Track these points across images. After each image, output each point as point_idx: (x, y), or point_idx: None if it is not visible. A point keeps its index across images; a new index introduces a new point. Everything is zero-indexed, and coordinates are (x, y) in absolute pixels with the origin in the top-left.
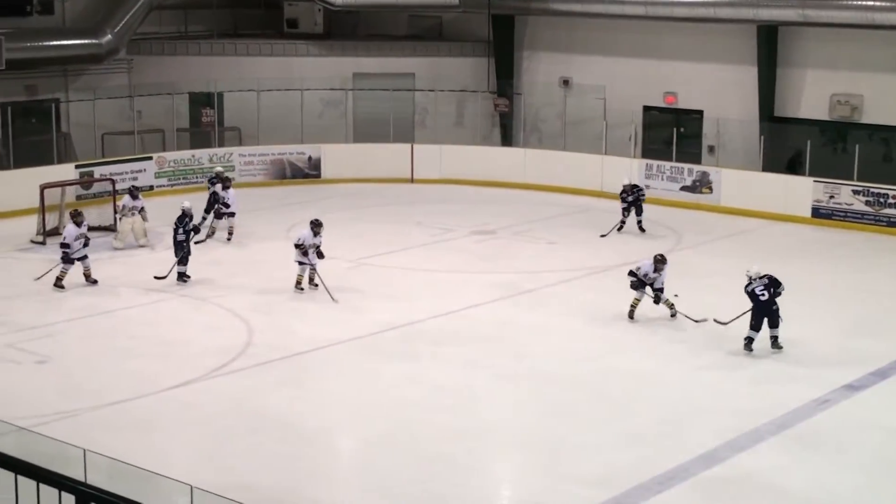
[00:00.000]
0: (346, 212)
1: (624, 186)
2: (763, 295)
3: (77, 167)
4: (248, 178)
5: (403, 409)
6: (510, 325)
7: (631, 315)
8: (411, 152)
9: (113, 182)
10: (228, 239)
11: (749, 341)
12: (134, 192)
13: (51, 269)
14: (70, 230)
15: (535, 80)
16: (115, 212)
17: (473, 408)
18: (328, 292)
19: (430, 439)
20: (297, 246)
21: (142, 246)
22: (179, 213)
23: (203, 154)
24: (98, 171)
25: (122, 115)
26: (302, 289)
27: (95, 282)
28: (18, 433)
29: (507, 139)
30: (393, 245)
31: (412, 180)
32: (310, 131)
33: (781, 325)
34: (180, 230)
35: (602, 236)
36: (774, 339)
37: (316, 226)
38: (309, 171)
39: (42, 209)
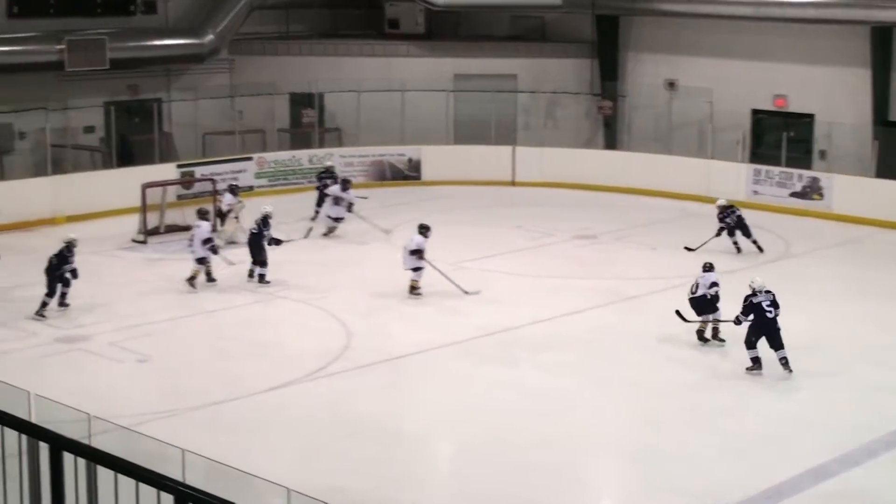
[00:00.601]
0: (445, 214)
1: (720, 207)
2: (770, 312)
3: (178, 167)
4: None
5: (499, 415)
6: (610, 332)
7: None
8: (512, 154)
9: (213, 182)
10: (327, 234)
11: (757, 362)
12: (234, 189)
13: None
14: (206, 227)
15: (639, 81)
16: (217, 213)
17: (570, 415)
18: (457, 286)
19: (524, 446)
20: (413, 252)
21: (232, 243)
22: (261, 216)
23: (303, 155)
24: (199, 171)
25: (223, 115)
26: (420, 294)
27: (214, 280)
28: (118, 432)
29: (610, 142)
30: (493, 248)
31: (513, 183)
32: (410, 133)
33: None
34: (265, 234)
35: (689, 250)
36: (785, 361)
37: (425, 230)
38: (409, 173)
39: (143, 209)
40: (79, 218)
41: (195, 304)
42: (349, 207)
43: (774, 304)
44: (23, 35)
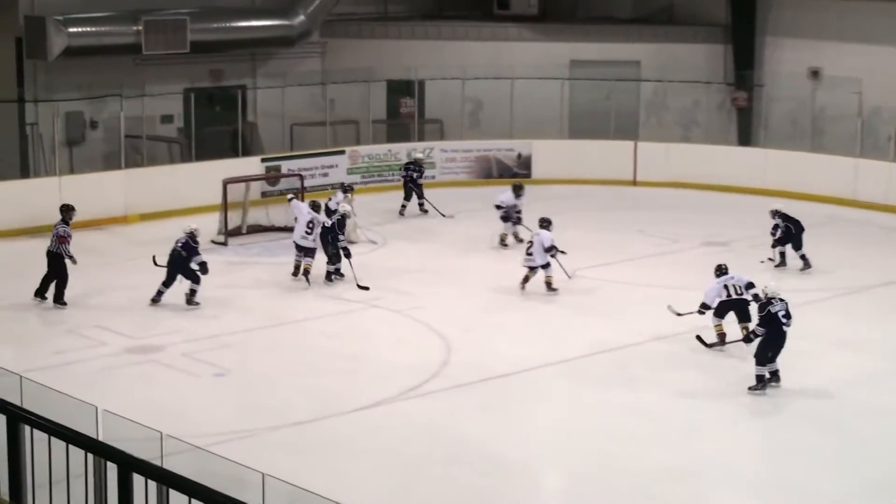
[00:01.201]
0: (558, 216)
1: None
2: (787, 323)
3: (263, 161)
4: (449, 175)
5: (615, 443)
6: (742, 351)
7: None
8: (634, 150)
9: (301, 178)
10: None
11: (763, 381)
12: (346, 188)
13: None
14: (321, 220)
15: (778, 70)
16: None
17: (695, 444)
18: (564, 271)
19: (643, 477)
20: (548, 249)
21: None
22: (338, 217)
23: (401, 149)
24: (285, 166)
25: (312, 104)
26: (556, 289)
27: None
28: (193, 452)
29: (744, 138)
30: (610, 256)
31: (634, 182)
32: (520, 125)
33: None
34: (340, 235)
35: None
36: (775, 373)
37: (549, 223)
38: (518, 170)
39: (224, 207)
40: (153, 216)
41: (278, 312)
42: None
43: (789, 315)
44: (96, 15)
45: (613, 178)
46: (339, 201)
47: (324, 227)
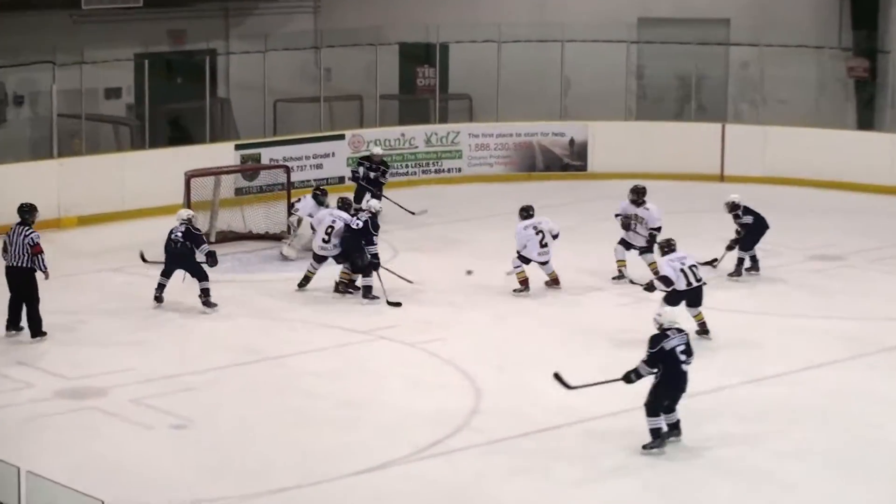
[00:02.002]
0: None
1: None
2: (686, 361)
3: (238, 147)
4: (480, 168)
5: None
6: (857, 396)
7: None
8: (722, 136)
9: (288, 170)
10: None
11: (660, 433)
12: (320, 197)
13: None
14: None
15: None
16: (290, 211)
17: None
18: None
19: None
20: (555, 237)
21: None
22: (369, 216)
23: (418, 133)
24: (267, 155)
25: (303, 75)
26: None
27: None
28: None
29: (865, 119)
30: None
31: (722, 178)
32: (573, 103)
33: None
34: (375, 238)
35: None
36: (676, 424)
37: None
38: (570, 161)
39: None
40: (95, 220)
41: (257, 345)
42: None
43: (689, 351)
44: None
45: (694, 171)
46: (367, 199)
47: (350, 231)
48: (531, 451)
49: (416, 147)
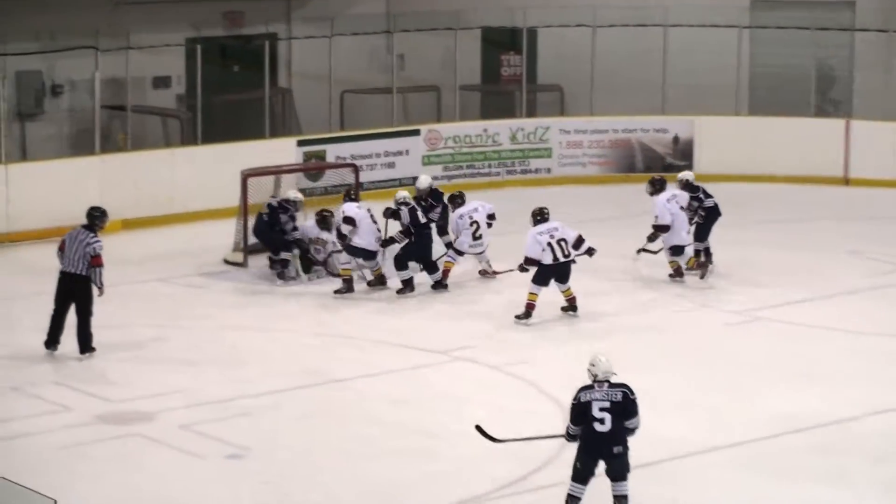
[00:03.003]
0: (730, 230)
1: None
2: (603, 420)
3: (301, 144)
4: (572, 168)
5: None
6: None
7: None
8: (846, 133)
9: (356, 170)
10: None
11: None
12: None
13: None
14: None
15: None
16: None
17: None
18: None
19: None
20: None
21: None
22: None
23: (502, 128)
24: (333, 152)
25: (372, 63)
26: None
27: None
28: None
29: None
30: (809, 288)
31: (846, 181)
32: (677, 95)
33: None
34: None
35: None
36: (622, 499)
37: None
38: (673, 161)
39: (244, 211)
40: (142, 223)
41: (320, 366)
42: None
43: (616, 410)
44: None
45: (814, 173)
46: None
47: (418, 223)
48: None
49: (500, 144)
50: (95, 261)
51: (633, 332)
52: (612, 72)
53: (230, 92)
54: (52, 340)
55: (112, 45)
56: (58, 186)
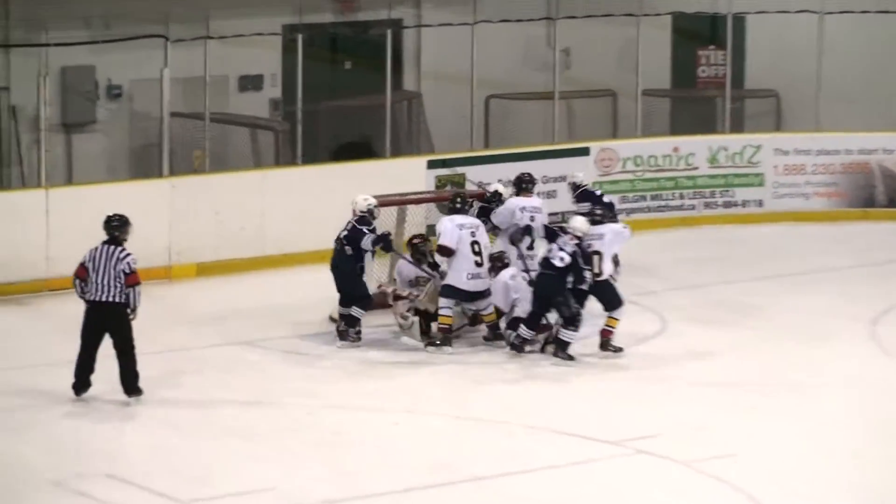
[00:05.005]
0: None
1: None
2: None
3: (432, 165)
4: (792, 201)
5: None
6: None
7: None
8: None
9: (498, 198)
10: None
11: None
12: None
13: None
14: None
15: None
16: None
17: None
18: None
19: None
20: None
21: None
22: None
23: (698, 147)
24: (475, 176)
25: (526, 59)
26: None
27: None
28: None
29: None
30: None
31: None
32: None
33: None
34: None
35: None
36: None
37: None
38: None
39: None
40: (224, 268)
41: (453, 457)
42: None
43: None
44: None
45: None
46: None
47: (551, 267)
48: None
49: (696, 168)
50: (132, 279)
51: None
52: (845, 73)
53: (340, 97)
54: (83, 383)
55: (186, 33)
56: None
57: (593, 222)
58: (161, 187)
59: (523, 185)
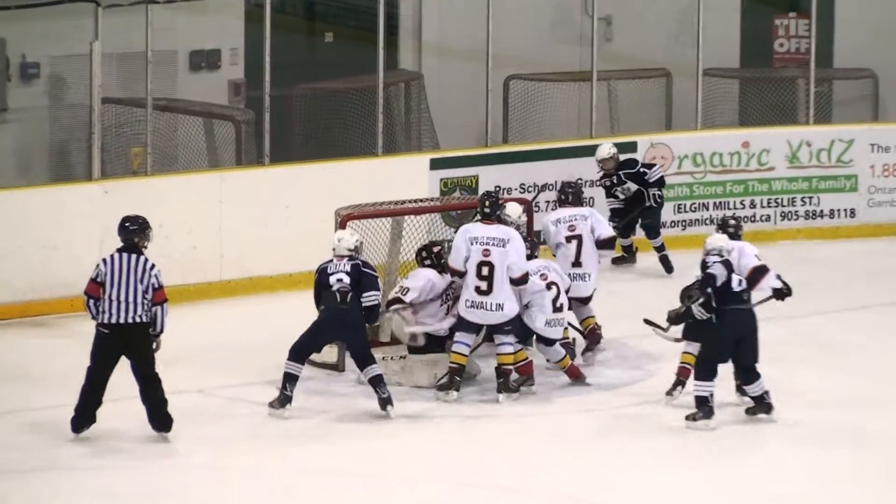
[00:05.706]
0: None
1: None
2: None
3: (435, 165)
4: (890, 209)
5: None
6: None
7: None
8: None
9: (529, 209)
10: None
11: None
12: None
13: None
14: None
15: None
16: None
17: None
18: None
19: None
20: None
21: None
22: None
23: (773, 142)
24: (488, 179)
25: (556, 29)
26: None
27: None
28: None
29: None
30: None
31: None
32: None
33: None
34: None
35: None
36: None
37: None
38: None
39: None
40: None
41: None
42: None
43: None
44: None
45: None
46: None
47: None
48: None
49: (771, 168)
50: (159, 295)
51: None
52: None
53: (319, 78)
54: (88, 419)
55: None
56: (28, 234)
57: (731, 236)
58: (90, 193)
59: (562, 196)
